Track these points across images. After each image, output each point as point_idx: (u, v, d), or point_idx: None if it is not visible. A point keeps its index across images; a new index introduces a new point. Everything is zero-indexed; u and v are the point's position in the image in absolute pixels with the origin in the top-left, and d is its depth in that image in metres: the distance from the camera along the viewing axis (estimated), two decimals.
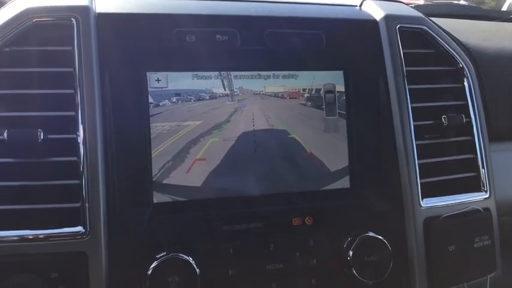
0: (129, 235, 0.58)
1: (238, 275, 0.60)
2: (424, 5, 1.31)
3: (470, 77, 0.73)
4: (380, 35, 0.70)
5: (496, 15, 1.23)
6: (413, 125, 0.68)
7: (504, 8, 1.54)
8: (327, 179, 0.66)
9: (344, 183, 0.67)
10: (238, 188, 0.63)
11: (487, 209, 0.71)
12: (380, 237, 0.63)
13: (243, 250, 0.60)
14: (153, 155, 0.60)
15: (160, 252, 0.57)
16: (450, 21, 1.00)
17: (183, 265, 0.56)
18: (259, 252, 0.61)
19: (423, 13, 0.76)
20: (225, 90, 0.64)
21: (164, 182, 0.61)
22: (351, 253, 0.62)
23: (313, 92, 0.67)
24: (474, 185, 0.71)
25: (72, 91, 0.58)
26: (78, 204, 0.56)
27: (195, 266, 0.56)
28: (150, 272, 0.55)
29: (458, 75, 0.73)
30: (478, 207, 0.70)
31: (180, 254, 0.57)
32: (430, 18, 0.76)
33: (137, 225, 0.58)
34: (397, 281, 0.64)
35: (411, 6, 0.82)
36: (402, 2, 0.79)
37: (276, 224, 0.62)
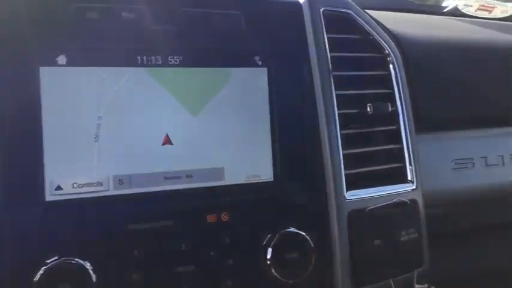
0: (15, 237, 0.50)
1: (143, 279, 0.53)
2: None
3: (397, 64, 0.71)
4: (303, 18, 0.66)
5: (430, 10, 1.23)
6: (338, 114, 0.64)
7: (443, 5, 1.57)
8: None
9: (266, 175, 0.62)
10: (146, 182, 0.57)
11: (413, 201, 0.68)
12: (302, 232, 0.59)
13: (150, 251, 0.54)
14: (45, 144, 0.52)
15: (52, 257, 0.50)
16: (380, 12, 0.98)
17: (76, 271, 0.50)
18: (169, 253, 0.55)
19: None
20: (129, 76, 0.57)
21: (59, 176, 0.53)
22: (270, 251, 0.57)
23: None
24: (400, 176, 0.69)
25: None
26: None
27: (90, 271, 0.50)
28: (36, 279, 0.48)
29: (384, 62, 0.71)
30: (404, 199, 0.67)
31: (75, 259, 0.50)
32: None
33: (25, 226, 0.50)
34: (320, 279, 0.60)
35: None
36: None
37: (188, 221, 0.56)
